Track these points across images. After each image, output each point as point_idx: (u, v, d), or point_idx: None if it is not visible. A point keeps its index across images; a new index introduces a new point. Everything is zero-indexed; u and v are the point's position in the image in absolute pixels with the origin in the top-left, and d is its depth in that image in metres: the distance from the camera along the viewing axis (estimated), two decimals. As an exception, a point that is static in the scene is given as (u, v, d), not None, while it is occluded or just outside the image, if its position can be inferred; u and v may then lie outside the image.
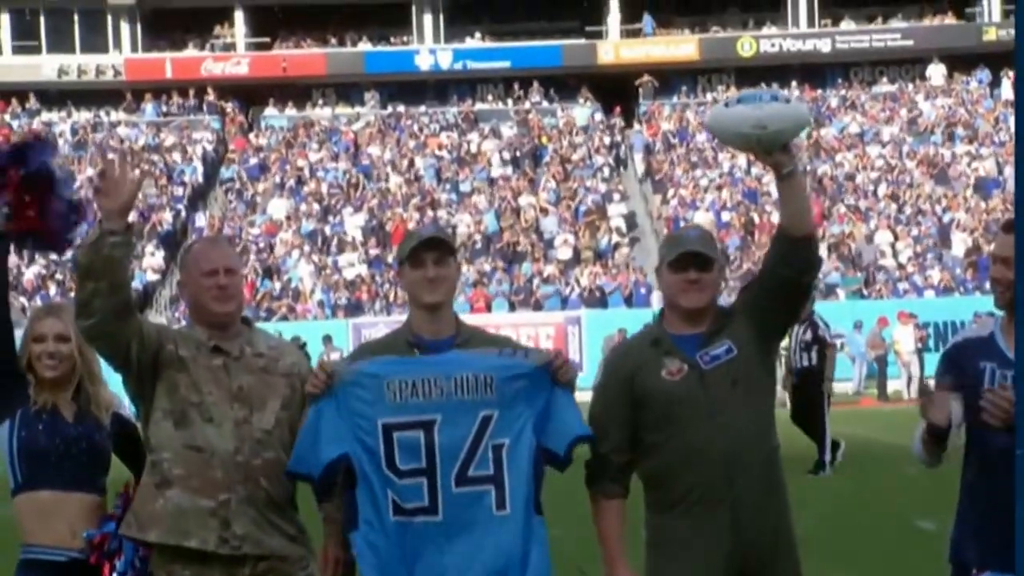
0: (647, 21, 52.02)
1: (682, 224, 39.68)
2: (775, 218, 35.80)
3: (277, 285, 38.99)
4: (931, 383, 4.79)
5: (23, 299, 38.45)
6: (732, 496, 4.81)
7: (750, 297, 5.00)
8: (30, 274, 40.23)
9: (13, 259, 40.90)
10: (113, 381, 5.29)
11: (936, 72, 50.11)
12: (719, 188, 43.43)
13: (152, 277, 39.96)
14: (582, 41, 52.20)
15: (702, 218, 41.21)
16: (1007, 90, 48.26)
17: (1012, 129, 42.52)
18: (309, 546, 4.98)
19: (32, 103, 49.90)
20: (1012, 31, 45.94)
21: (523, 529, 4.68)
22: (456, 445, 4.66)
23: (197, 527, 4.87)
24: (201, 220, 43.89)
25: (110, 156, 5.36)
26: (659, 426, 4.86)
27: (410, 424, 4.66)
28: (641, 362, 4.92)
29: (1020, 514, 3.97)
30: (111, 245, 4.71)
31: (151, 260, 40.54)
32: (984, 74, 49.59)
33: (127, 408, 5.46)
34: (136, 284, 38.55)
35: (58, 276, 39.90)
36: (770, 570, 4.86)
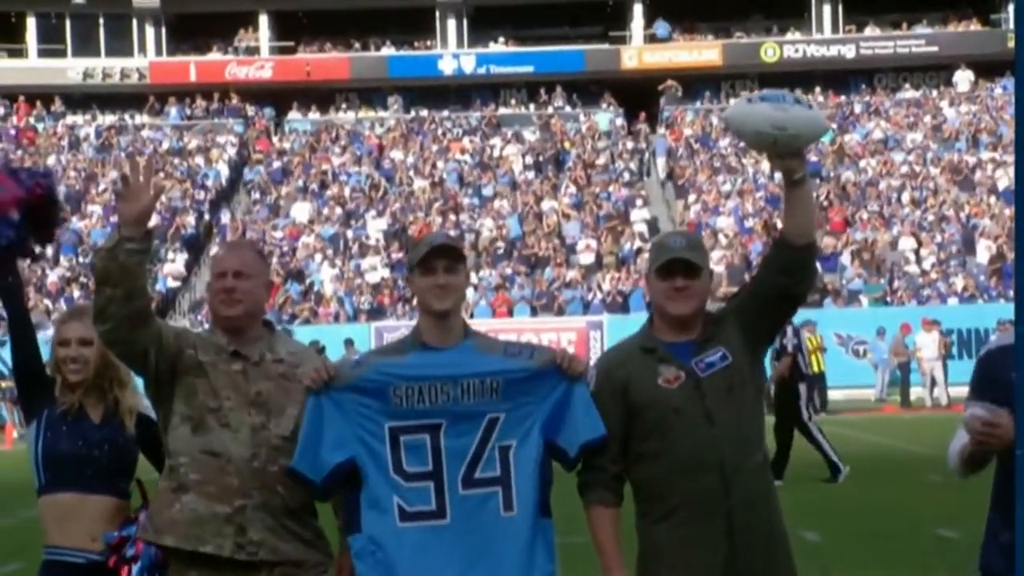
0: (659, 25, 51.98)
1: (705, 230, 39.68)
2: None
3: (299, 288, 39.02)
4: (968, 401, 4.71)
5: (47, 301, 38.61)
6: (729, 504, 4.76)
7: (740, 304, 4.95)
8: (54, 276, 40.36)
9: (37, 264, 41.03)
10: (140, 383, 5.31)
11: (963, 78, 49.99)
12: (741, 194, 43.38)
13: (173, 284, 39.99)
14: (605, 46, 52.20)
15: (724, 224, 41.21)
16: (1032, 97, 48.14)
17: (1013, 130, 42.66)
18: (328, 551, 4.95)
19: (57, 106, 50.09)
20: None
21: (530, 531, 4.67)
22: (463, 448, 4.65)
23: (212, 533, 4.85)
24: (224, 223, 43.98)
25: (136, 160, 5.29)
26: (655, 435, 4.80)
27: (416, 428, 4.65)
28: (635, 370, 4.86)
29: (1020, 514, 4.01)
30: (127, 252, 4.69)
31: (172, 267, 40.59)
32: (1008, 81, 49.42)
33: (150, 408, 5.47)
34: (159, 288, 38.72)
35: (81, 279, 39.99)
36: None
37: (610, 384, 4.86)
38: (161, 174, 45.61)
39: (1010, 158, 44.54)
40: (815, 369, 30.55)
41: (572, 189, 44.54)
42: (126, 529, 5.15)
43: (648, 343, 4.93)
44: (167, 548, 4.94)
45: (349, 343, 26.92)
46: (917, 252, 40.38)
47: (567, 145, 47.54)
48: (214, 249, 42.57)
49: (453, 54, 51.69)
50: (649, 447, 4.80)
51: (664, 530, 4.80)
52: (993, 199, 42.40)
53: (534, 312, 38.20)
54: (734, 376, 4.84)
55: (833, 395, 30.90)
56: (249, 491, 4.87)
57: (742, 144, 45.63)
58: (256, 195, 45.70)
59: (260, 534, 4.86)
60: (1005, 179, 43.41)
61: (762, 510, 4.84)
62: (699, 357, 4.84)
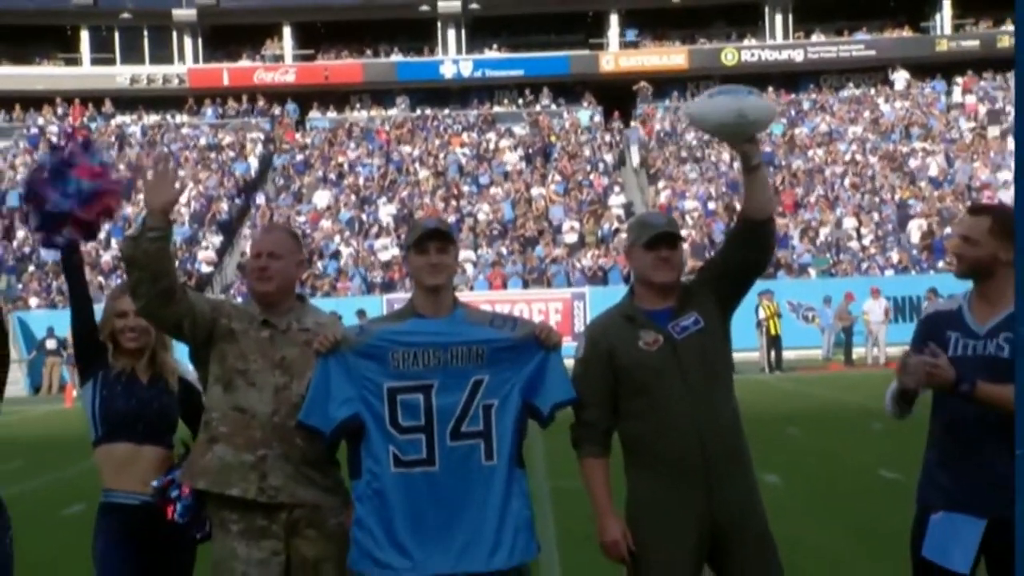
0: (629, 33, 51.90)
1: (673, 212, 39.63)
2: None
3: (320, 265, 38.98)
4: (908, 352, 4.72)
5: (100, 278, 38.55)
6: (704, 458, 4.72)
7: (710, 275, 4.92)
8: (107, 256, 40.28)
9: (91, 244, 41.01)
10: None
11: (898, 78, 49.91)
12: (706, 180, 43.35)
13: (207, 269, 39.82)
14: (586, 52, 52.08)
15: (691, 206, 41.16)
16: (957, 95, 48.10)
17: (962, 127, 41.96)
18: (346, 498, 4.91)
19: (107, 107, 49.94)
20: (962, 42, 45.52)
21: (507, 478, 4.68)
22: (451, 405, 4.65)
23: (238, 478, 4.87)
24: (253, 209, 43.93)
25: (162, 156, 5.18)
26: (638, 394, 4.77)
27: (411, 388, 4.66)
28: (618, 337, 4.83)
29: (1020, 514, 3.74)
30: (149, 240, 4.68)
31: (205, 254, 40.44)
32: (938, 81, 49.40)
33: (192, 374, 5.46)
34: (198, 268, 38.65)
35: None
36: (740, 528, 4.77)
37: (596, 351, 4.84)
38: (198, 167, 45.55)
39: (938, 148, 44.56)
40: (772, 332, 30.70)
41: (558, 178, 44.46)
42: (171, 474, 5.15)
43: (629, 311, 4.90)
44: (201, 491, 4.97)
45: (361, 313, 26.73)
46: (858, 230, 40.37)
47: (553, 139, 47.45)
48: (245, 232, 42.56)
49: (453, 60, 51.56)
50: (635, 405, 4.78)
51: (649, 480, 4.77)
52: (923, 184, 42.40)
53: (525, 285, 38.16)
54: (706, 337, 4.81)
55: (786, 355, 30.97)
56: (270, 442, 4.88)
57: (707, 137, 45.78)
58: (281, 183, 45.62)
59: (280, 480, 4.87)
60: (934, 166, 43.41)
61: (737, 462, 4.81)
62: (675, 321, 4.81)
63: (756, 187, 4.81)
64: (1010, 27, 50.09)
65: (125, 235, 4.95)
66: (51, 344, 34.03)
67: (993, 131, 45.27)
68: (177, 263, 5.17)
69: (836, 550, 9.16)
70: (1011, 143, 44.27)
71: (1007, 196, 41.62)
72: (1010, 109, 46.43)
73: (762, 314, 30.28)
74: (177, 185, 4.83)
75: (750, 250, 4.86)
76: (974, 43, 50.23)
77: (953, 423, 4.68)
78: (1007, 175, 42.84)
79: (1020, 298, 3.73)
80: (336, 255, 40.06)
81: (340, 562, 4.86)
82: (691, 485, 4.72)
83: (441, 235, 4.86)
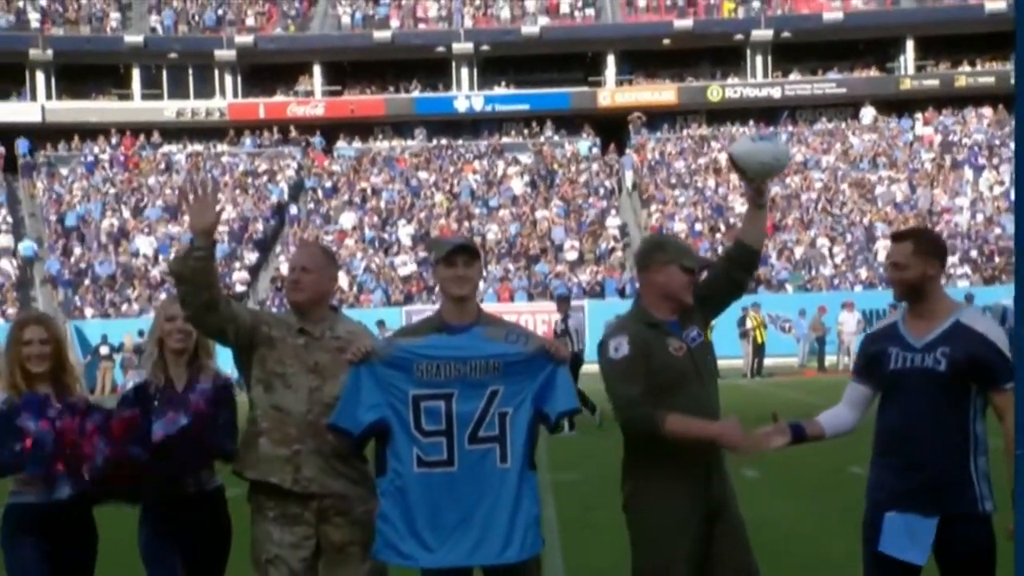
0: (623, 71, 51.98)
1: (665, 231, 39.61)
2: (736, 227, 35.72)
3: (345, 280, 39.01)
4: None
5: (149, 291, 38.62)
6: (710, 452, 4.82)
7: (702, 294, 4.95)
8: (155, 272, 40.35)
9: (143, 257, 40.91)
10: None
11: (866, 114, 49.92)
12: (693, 204, 43.34)
13: (240, 288, 39.68)
14: (585, 88, 52.09)
15: (679, 228, 41.15)
16: (919, 128, 48.07)
17: (923, 158, 41.82)
18: (373, 488, 4.92)
19: (156, 138, 50.04)
20: (923, 82, 45.25)
21: (519, 479, 4.70)
22: (470, 412, 4.67)
23: (276, 469, 4.89)
24: (287, 229, 43.96)
25: (206, 181, 5.13)
26: (664, 392, 4.77)
27: (434, 396, 4.67)
28: (652, 342, 4.83)
29: (1020, 514, 3.55)
30: (195, 258, 4.72)
31: (240, 274, 40.32)
32: (904, 117, 49.42)
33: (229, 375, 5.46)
34: (235, 288, 38.66)
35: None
36: (724, 507, 4.87)
37: (639, 350, 4.79)
38: (236, 191, 45.60)
39: (902, 176, 44.54)
40: (757, 341, 30.69)
41: (559, 202, 44.50)
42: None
43: (649, 319, 4.91)
44: (251, 480, 4.99)
45: (381, 324, 26.75)
46: (830, 250, 40.38)
47: (555, 167, 47.46)
48: (278, 248, 42.60)
49: (466, 95, 51.60)
50: (661, 402, 4.77)
51: (660, 474, 4.78)
52: (889, 208, 42.39)
53: (530, 298, 38.19)
54: (705, 347, 4.92)
55: (766, 362, 30.97)
56: (304, 438, 4.89)
57: (694, 165, 45.79)
58: (311, 206, 45.66)
59: (312, 472, 4.89)
60: (898, 193, 43.40)
61: (724, 456, 4.91)
62: (685, 332, 4.88)
63: (758, 222, 4.97)
64: (967, 68, 50.16)
65: (174, 255, 4.97)
66: (104, 350, 34.08)
67: (948, 160, 45.25)
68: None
69: (806, 528, 9.34)
70: (968, 172, 44.26)
71: (963, 219, 41.62)
72: (966, 141, 46.39)
73: (749, 324, 30.34)
74: (217, 208, 4.85)
75: (739, 272, 4.98)
76: (934, 82, 50.23)
77: (895, 428, 4.69)
78: (963, 200, 42.81)
79: (1020, 298, 3.61)
80: (360, 271, 40.09)
81: (365, 546, 4.87)
82: (696, 476, 4.79)
83: (467, 250, 4.88)
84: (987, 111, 47.98)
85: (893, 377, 4.69)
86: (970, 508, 4.60)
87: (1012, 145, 43.01)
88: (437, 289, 5.06)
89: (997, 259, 39.03)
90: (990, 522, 4.63)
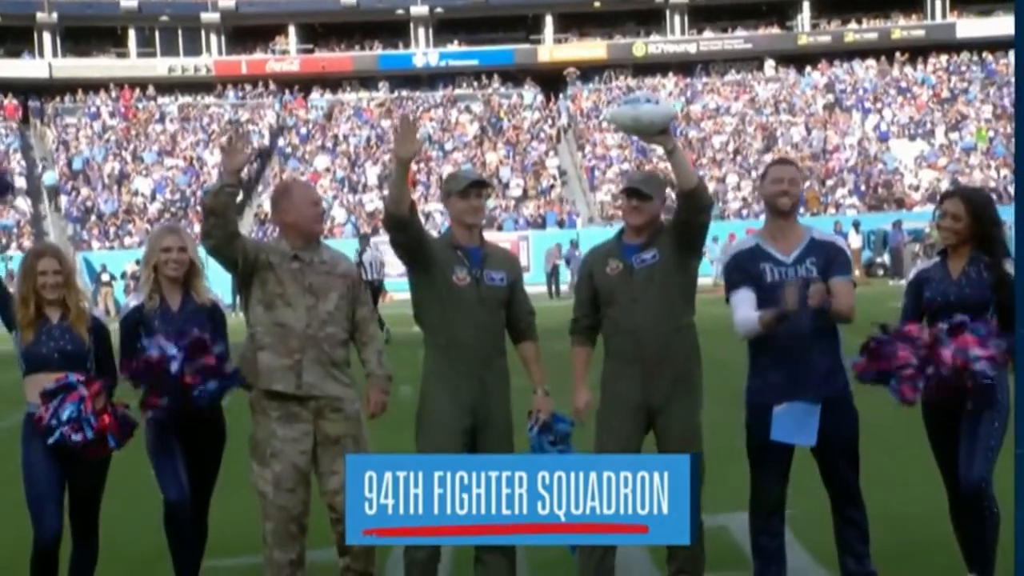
0: (560, 30, 51.58)
1: (597, 172, 39.71)
2: (661, 165, 35.86)
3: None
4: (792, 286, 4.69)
5: (146, 225, 38.22)
6: (641, 355, 4.84)
7: (670, 226, 4.91)
8: (152, 208, 39.93)
9: (141, 196, 40.32)
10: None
11: (768, 66, 49.98)
12: (620, 147, 43.39)
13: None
14: (527, 46, 51.74)
15: (610, 169, 41.24)
16: (814, 78, 48.26)
17: (818, 104, 41.58)
18: (357, 392, 5.04)
19: (150, 91, 49.14)
20: (818, 38, 45.26)
21: None
22: None
23: (280, 377, 4.91)
24: (268, 171, 43.56)
25: (238, 133, 5.17)
26: (605, 304, 4.93)
27: None
28: (596, 262, 4.98)
29: (1019, 514, 3.19)
30: (227, 193, 4.74)
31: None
32: (801, 68, 49.55)
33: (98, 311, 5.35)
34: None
35: (171, 210, 39.56)
36: (667, 406, 4.84)
37: (584, 271, 5.05)
38: (222, 138, 45.06)
39: (799, 120, 44.79)
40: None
41: (506, 145, 44.38)
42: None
43: (612, 245, 5.01)
44: (256, 388, 5.01)
45: (364, 238, 24.91)
46: (738, 185, 40.66)
47: (502, 115, 47.24)
48: (260, 188, 42.24)
49: (423, 52, 51.09)
50: (603, 312, 4.96)
51: (610, 365, 4.95)
52: (788, 148, 42.65)
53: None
54: (658, 269, 4.85)
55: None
56: (304, 349, 4.92)
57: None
58: (288, 151, 45.24)
59: (312, 378, 4.92)
60: (797, 135, 43.65)
61: (672, 360, 4.85)
62: (639, 255, 4.88)
63: (675, 165, 4.69)
64: (854, 25, 50.32)
65: (206, 190, 4.94)
66: (104, 277, 33.96)
67: (838, 106, 45.55)
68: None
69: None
70: (855, 116, 44.63)
71: (851, 156, 42.03)
72: (853, 89, 46.70)
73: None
74: (248, 150, 4.86)
75: (691, 214, 4.79)
76: (827, 38, 50.35)
77: (789, 332, 4.69)
78: (851, 139, 43.20)
79: (1020, 298, 3.25)
80: (333, 207, 39.87)
81: (357, 439, 4.97)
82: (631, 374, 4.85)
83: (482, 184, 4.91)
84: (872, 63, 48.26)
85: (771, 288, 4.75)
86: (843, 391, 4.80)
87: (892, 93, 43.28)
88: (449, 217, 5.02)
89: (880, 191, 39.63)
90: (854, 402, 4.83)
